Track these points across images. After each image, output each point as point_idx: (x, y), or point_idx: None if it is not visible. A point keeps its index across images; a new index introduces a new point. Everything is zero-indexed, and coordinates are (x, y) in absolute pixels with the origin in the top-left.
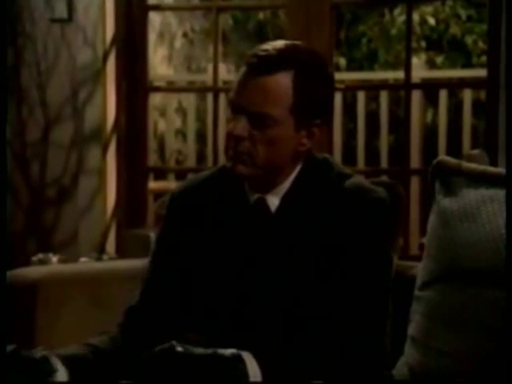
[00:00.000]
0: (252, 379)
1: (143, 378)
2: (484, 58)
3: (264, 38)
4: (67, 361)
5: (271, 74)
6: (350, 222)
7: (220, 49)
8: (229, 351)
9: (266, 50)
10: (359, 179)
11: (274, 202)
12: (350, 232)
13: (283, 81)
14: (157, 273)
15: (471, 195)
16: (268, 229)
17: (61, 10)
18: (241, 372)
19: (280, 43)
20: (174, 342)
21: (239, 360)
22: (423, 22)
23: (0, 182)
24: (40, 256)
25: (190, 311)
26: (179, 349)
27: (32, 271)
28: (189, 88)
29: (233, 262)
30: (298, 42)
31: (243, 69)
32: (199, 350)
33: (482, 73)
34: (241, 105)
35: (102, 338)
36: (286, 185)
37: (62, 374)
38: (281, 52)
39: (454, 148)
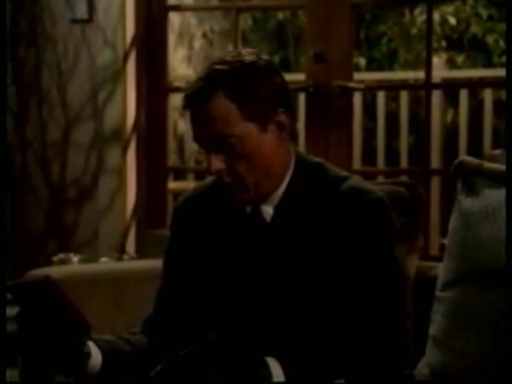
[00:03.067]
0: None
1: (171, 378)
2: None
3: (283, 38)
4: (102, 345)
5: (205, 102)
6: (351, 225)
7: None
8: (252, 356)
9: (191, 87)
10: (355, 181)
11: (268, 211)
12: (351, 235)
13: (218, 102)
14: (167, 283)
15: (493, 195)
16: (264, 239)
17: (81, 11)
18: (266, 376)
19: (204, 70)
20: (201, 345)
21: (264, 365)
22: (444, 21)
23: (0, 183)
24: (61, 256)
25: (202, 318)
26: (206, 352)
27: (53, 271)
28: None
29: (236, 272)
30: (228, 54)
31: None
32: (226, 355)
33: (503, 72)
34: (204, 140)
35: (132, 335)
36: (280, 192)
37: (96, 357)
38: (202, 79)
39: (475, 148)
